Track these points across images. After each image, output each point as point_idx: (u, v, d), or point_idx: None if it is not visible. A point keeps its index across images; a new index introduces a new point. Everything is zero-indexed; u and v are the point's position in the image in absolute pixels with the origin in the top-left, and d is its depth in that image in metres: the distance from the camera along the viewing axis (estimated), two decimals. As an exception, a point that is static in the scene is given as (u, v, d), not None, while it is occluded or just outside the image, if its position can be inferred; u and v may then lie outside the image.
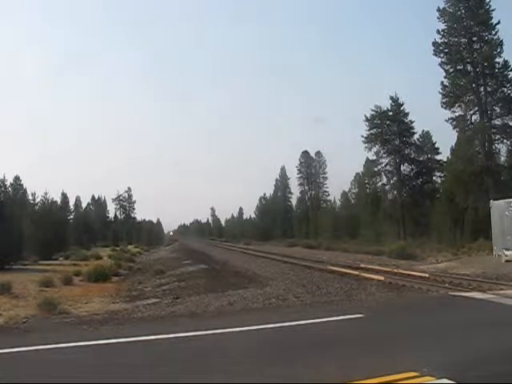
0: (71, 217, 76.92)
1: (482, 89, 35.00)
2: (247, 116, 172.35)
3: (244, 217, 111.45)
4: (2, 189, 49.71)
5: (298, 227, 70.11)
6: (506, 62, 34.25)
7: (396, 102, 44.79)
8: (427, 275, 15.67)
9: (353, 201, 61.62)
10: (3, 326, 9.03)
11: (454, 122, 35.61)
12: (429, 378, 4.42)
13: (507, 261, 18.57)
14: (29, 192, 60.61)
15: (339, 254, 33.06)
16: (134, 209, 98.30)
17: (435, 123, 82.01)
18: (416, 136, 45.46)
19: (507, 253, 19.10)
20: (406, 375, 4.50)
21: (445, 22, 35.85)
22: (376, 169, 45.93)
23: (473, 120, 35.15)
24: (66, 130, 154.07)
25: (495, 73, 34.56)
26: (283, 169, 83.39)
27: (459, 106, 35.20)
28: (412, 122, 44.66)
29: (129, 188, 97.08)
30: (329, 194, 75.00)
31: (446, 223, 33.21)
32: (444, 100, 35.56)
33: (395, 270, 17.73)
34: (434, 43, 35.99)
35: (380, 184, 46.79)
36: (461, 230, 31.27)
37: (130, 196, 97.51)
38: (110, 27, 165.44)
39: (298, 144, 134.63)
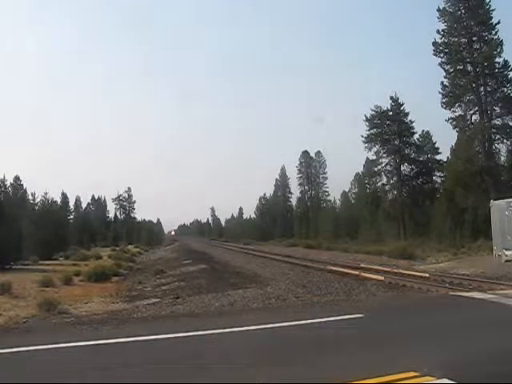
0: (71, 217, 76.94)
1: (482, 89, 35.00)
2: (247, 116, 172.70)
3: (244, 217, 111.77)
4: (2, 189, 49.72)
5: (298, 227, 70.12)
6: (506, 62, 34.32)
7: (396, 102, 44.82)
8: (427, 275, 15.67)
9: (353, 201, 61.68)
10: (3, 325, 9.03)
11: (454, 122, 35.64)
12: (429, 378, 4.41)
13: (507, 261, 18.55)
14: (29, 192, 60.73)
15: (339, 253, 33.06)
16: (133, 209, 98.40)
17: (435, 123, 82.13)
18: (416, 136, 45.61)
19: (507, 253, 19.09)
20: (406, 375, 4.49)
21: (445, 21, 35.87)
22: (376, 169, 45.98)
23: (473, 120, 35.20)
24: (66, 130, 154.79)
25: (495, 73, 34.57)
26: (283, 169, 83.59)
27: (459, 105, 35.22)
28: (412, 122, 44.81)
29: (129, 188, 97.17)
30: (329, 194, 75.19)
31: (446, 223, 33.21)
32: (444, 100, 35.59)
33: (395, 270, 17.74)
34: (434, 43, 36.03)
35: (380, 184, 46.89)
36: (461, 230, 31.26)
37: (129, 196, 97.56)
38: (111, 27, 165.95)
39: (298, 144, 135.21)
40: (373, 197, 47.43)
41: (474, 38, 35.13)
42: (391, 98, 44.96)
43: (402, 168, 44.54)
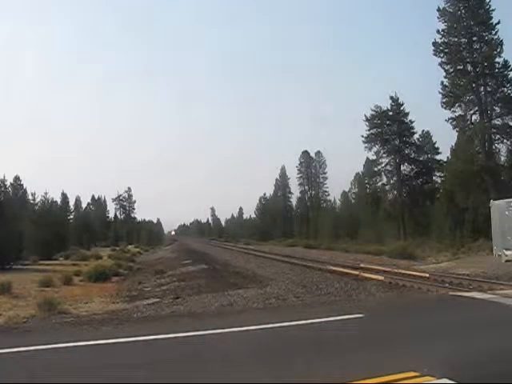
0: (71, 217, 76.94)
1: (482, 89, 34.99)
2: (247, 116, 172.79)
3: (244, 217, 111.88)
4: (2, 189, 49.74)
5: (298, 227, 70.11)
6: (506, 62, 34.29)
7: (396, 102, 44.81)
8: (427, 275, 15.65)
9: (353, 201, 61.67)
10: (3, 326, 9.03)
11: (454, 122, 35.64)
12: (429, 378, 4.41)
13: (507, 261, 18.55)
14: (29, 192, 60.73)
15: (339, 253, 33.05)
16: (133, 209, 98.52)
17: (435, 123, 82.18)
18: (416, 136, 45.61)
19: (507, 253, 19.08)
20: (406, 375, 4.50)
21: (445, 21, 35.87)
22: (376, 169, 45.98)
23: (473, 120, 35.19)
24: (66, 130, 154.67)
25: (495, 73, 34.55)
26: (283, 169, 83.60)
27: (459, 105, 35.21)
28: (412, 122, 44.81)
29: (129, 188, 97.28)
30: (329, 194, 75.27)
31: (446, 223, 33.20)
32: (444, 100, 35.58)
33: (395, 270, 17.71)
34: (434, 43, 36.02)
35: (380, 184, 46.87)
36: (461, 230, 31.25)
37: (129, 196, 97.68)
38: (111, 27, 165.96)
39: (298, 144, 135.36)
40: (373, 197, 47.40)
41: (474, 38, 35.12)
42: (391, 97, 45.02)
43: (402, 168, 44.57)
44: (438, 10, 36.05)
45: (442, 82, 35.93)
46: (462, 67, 35.42)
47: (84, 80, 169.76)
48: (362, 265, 21.18)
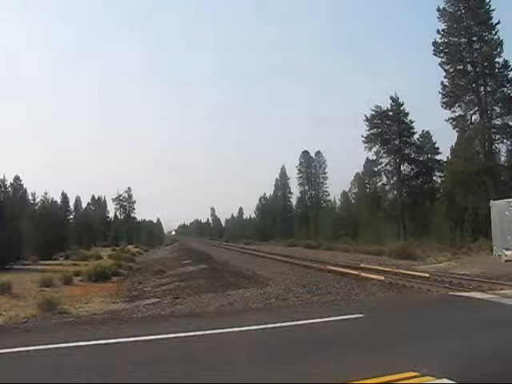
0: (71, 217, 77.00)
1: (481, 89, 35.05)
2: (247, 116, 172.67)
3: (244, 217, 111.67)
4: (2, 189, 49.80)
5: (298, 227, 70.10)
6: (506, 62, 34.38)
7: (396, 102, 44.83)
8: (427, 275, 15.65)
9: (353, 201, 61.70)
10: (3, 326, 9.03)
11: (454, 122, 35.69)
12: (429, 378, 4.42)
13: (507, 261, 18.56)
14: (29, 192, 60.81)
15: (339, 253, 33.03)
16: (134, 209, 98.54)
17: (435, 123, 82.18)
18: (416, 136, 45.65)
19: (507, 253, 19.10)
20: (406, 375, 4.50)
21: (445, 21, 35.93)
22: (376, 169, 46.00)
23: (473, 120, 35.25)
24: (66, 130, 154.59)
25: (495, 73, 34.62)
26: (283, 169, 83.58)
27: (459, 105, 35.28)
28: (412, 122, 44.84)
29: (129, 188, 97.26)
30: (329, 194, 75.31)
31: (446, 223, 33.21)
32: (444, 100, 35.64)
33: (395, 270, 17.71)
34: (434, 43, 36.10)
35: (380, 184, 46.88)
36: (461, 230, 31.26)
37: (130, 196, 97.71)
38: (110, 27, 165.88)
39: (298, 144, 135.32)
40: (373, 197, 47.35)
41: (474, 38, 35.19)
42: (391, 97, 45.04)
43: (402, 168, 44.62)
44: (438, 9, 36.18)
45: (442, 82, 36.05)
46: (461, 67, 35.49)
47: (84, 80, 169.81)
48: (361, 265, 21.17)
